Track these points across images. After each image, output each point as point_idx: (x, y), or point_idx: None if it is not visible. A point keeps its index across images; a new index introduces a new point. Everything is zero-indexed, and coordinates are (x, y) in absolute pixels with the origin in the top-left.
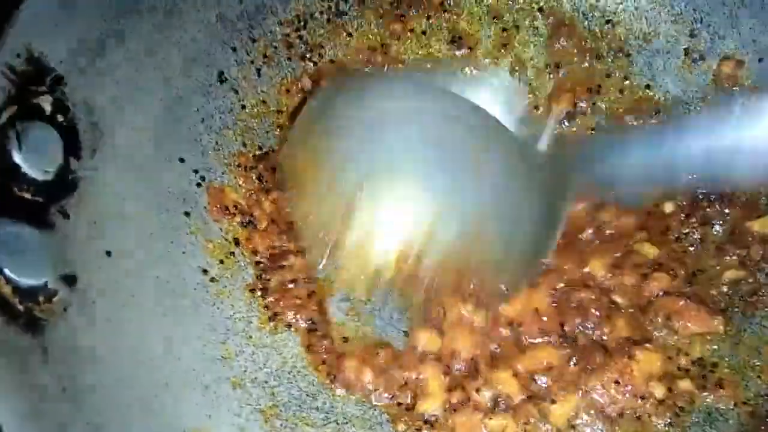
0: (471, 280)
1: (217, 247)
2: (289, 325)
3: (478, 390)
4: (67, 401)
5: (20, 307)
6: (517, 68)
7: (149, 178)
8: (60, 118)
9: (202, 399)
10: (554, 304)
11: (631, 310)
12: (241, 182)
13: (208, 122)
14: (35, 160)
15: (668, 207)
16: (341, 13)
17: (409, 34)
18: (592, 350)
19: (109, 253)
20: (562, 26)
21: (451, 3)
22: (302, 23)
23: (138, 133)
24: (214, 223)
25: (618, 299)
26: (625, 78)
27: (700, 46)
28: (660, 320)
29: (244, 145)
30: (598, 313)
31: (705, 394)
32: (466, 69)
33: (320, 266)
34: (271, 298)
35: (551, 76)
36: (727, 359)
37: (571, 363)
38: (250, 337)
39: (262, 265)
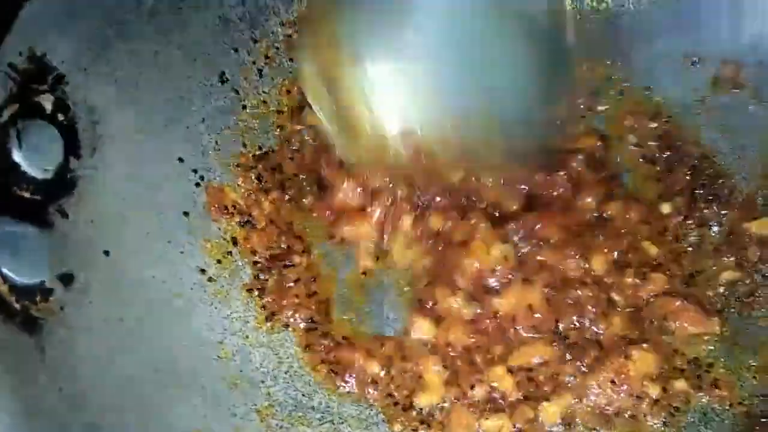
0: (479, 155)
1: (215, 246)
2: (287, 325)
3: (473, 386)
4: (64, 401)
5: (17, 306)
6: None
7: (148, 177)
8: (60, 117)
9: (198, 399)
10: (548, 301)
11: (628, 309)
12: (240, 182)
13: (209, 122)
14: (35, 158)
15: (666, 208)
16: None
17: None
18: (587, 348)
19: (107, 253)
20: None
21: None
22: None
23: (138, 132)
24: (212, 222)
25: (616, 297)
26: (625, 80)
27: (700, 48)
28: (656, 320)
29: (244, 145)
30: (594, 310)
31: (700, 394)
32: None
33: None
34: (268, 298)
35: None
36: (722, 360)
37: (566, 361)
38: (247, 337)
39: (259, 264)
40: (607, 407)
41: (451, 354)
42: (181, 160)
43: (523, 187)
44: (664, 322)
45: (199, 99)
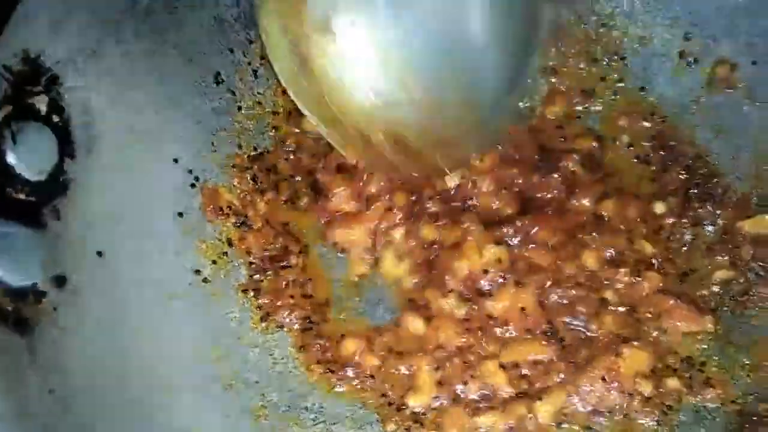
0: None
1: (210, 247)
2: (281, 326)
3: (465, 383)
4: (56, 402)
5: (9, 308)
6: None
7: (143, 178)
8: (55, 118)
9: (192, 399)
10: (541, 303)
11: (621, 308)
12: (235, 183)
13: (204, 123)
14: (29, 160)
15: (660, 207)
16: None
17: None
18: (578, 347)
19: (100, 254)
20: (558, 29)
21: None
22: None
23: (133, 133)
24: (207, 223)
25: (608, 297)
26: (620, 80)
27: (695, 49)
28: (649, 319)
29: (240, 146)
30: (585, 310)
31: (693, 392)
32: None
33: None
34: (263, 299)
35: (545, 80)
36: (716, 358)
37: (558, 359)
38: (242, 337)
39: (255, 265)
40: (600, 405)
41: (443, 354)
42: (176, 160)
43: (516, 190)
44: (657, 320)
45: (194, 100)
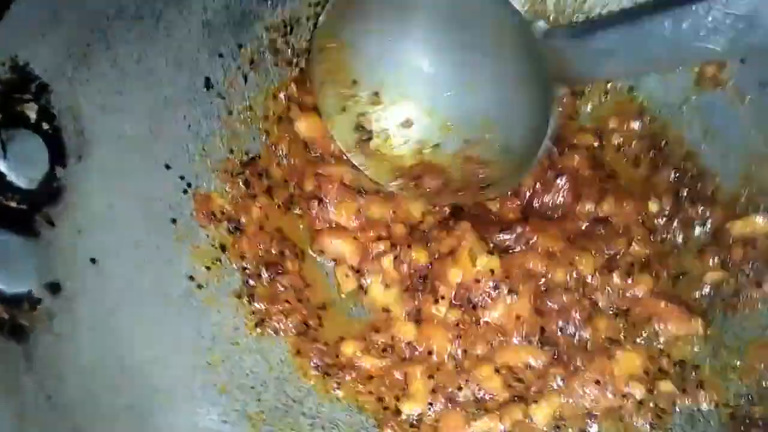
0: (480, 166)
1: (204, 253)
2: (276, 331)
3: (460, 388)
4: (52, 409)
5: (4, 315)
6: None
7: (135, 185)
8: (45, 125)
9: (188, 405)
10: (535, 310)
11: (613, 312)
12: (227, 188)
13: (195, 128)
14: (20, 168)
15: (653, 206)
16: None
17: None
18: (572, 351)
19: (94, 261)
20: None
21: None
22: (289, 29)
23: (124, 140)
24: (200, 229)
25: (600, 301)
26: (609, 81)
27: None
28: (641, 322)
29: (231, 151)
30: (578, 315)
31: (686, 395)
32: None
33: (350, 156)
34: (258, 304)
35: None
36: (708, 361)
37: (553, 363)
38: (237, 343)
39: (249, 270)
40: (594, 408)
41: (436, 360)
42: (167, 166)
43: (519, 203)
44: (649, 323)
45: (184, 105)
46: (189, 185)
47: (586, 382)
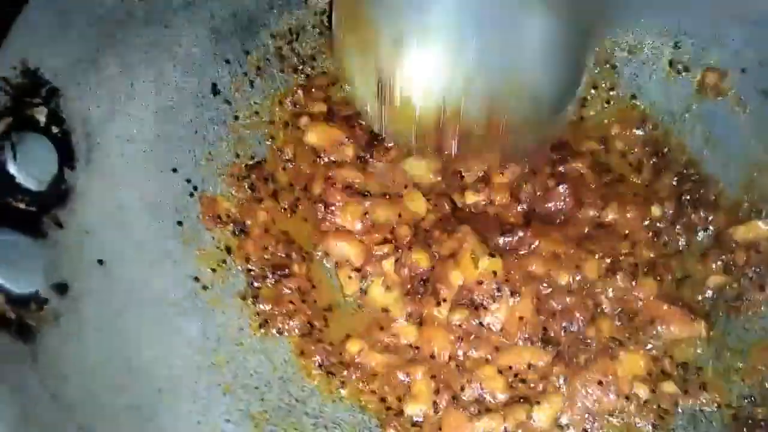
0: (506, 116)
1: (209, 255)
2: (280, 332)
3: (462, 388)
4: (58, 409)
5: (12, 315)
6: None
7: (142, 187)
8: (54, 129)
9: (193, 405)
10: (538, 311)
11: (617, 313)
12: (233, 191)
13: (201, 133)
14: (30, 170)
15: (656, 211)
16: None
17: None
18: (575, 351)
19: (101, 262)
20: None
21: None
22: (295, 36)
23: (131, 143)
24: (206, 231)
25: (603, 303)
26: (611, 89)
27: (684, 57)
28: (644, 324)
29: (237, 155)
30: (582, 316)
31: (689, 396)
32: None
33: (369, 115)
34: (262, 305)
35: None
36: (711, 362)
37: (556, 363)
38: (241, 343)
39: (253, 272)
40: (597, 409)
41: (438, 362)
42: (174, 170)
43: (521, 207)
44: (651, 325)
45: (191, 110)
46: (195, 188)
47: (588, 383)
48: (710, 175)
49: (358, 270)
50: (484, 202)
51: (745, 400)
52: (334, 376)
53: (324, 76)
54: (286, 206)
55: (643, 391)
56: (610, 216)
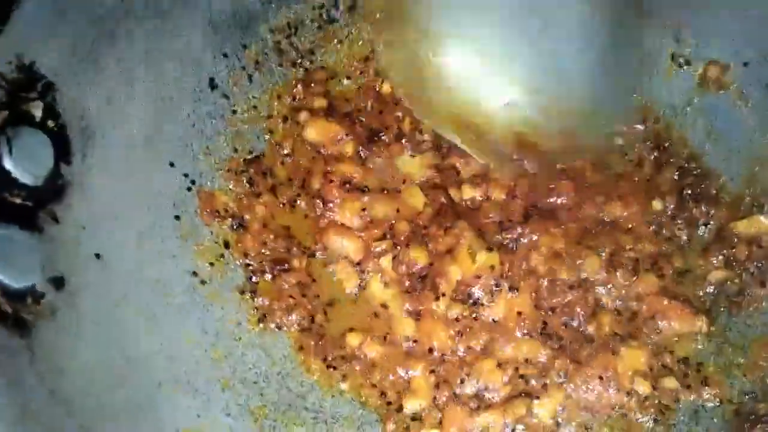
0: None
1: (207, 250)
2: (279, 326)
3: (462, 382)
4: (56, 404)
5: (8, 310)
6: None
7: (139, 182)
8: (51, 123)
9: (192, 400)
10: (537, 306)
11: (617, 308)
12: (231, 186)
13: (199, 127)
14: (26, 165)
15: (657, 205)
16: (332, 20)
17: None
18: (576, 346)
19: (98, 256)
20: None
21: None
22: (293, 30)
23: (128, 137)
24: (204, 226)
25: (604, 299)
26: None
27: (686, 51)
28: (645, 319)
29: (235, 149)
30: (582, 311)
31: (690, 392)
32: None
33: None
34: (261, 300)
35: None
36: (712, 358)
37: (556, 358)
38: (240, 338)
39: (252, 267)
40: (597, 404)
41: (437, 356)
42: (172, 164)
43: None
44: (652, 320)
45: (188, 104)
46: (193, 183)
47: (589, 378)
48: (712, 169)
49: (358, 264)
50: (481, 198)
51: (747, 396)
52: (335, 370)
53: (323, 71)
54: (284, 201)
55: (643, 387)
56: (612, 212)
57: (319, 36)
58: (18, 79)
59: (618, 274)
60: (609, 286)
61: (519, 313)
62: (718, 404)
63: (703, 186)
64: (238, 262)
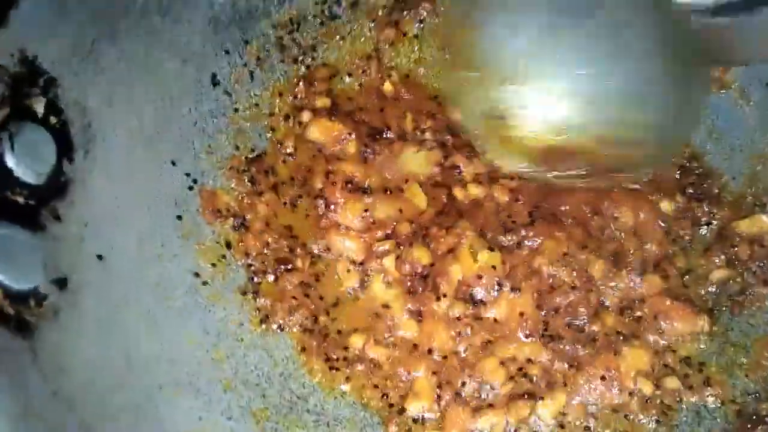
0: (619, 148)
1: (209, 250)
2: (281, 327)
3: (464, 383)
4: (58, 404)
5: (11, 311)
6: None
7: (141, 181)
8: (53, 119)
9: (194, 401)
10: (539, 306)
11: (620, 307)
12: (233, 185)
13: (201, 125)
14: (28, 162)
15: (665, 206)
16: (334, 17)
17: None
18: (578, 346)
19: (100, 257)
20: None
21: (443, 8)
22: (295, 26)
23: (130, 135)
24: (206, 226)
25: (607, 299)
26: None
27: None
28: (647, 319)
29: (237, 147)
30: (584, 311)
31: (693, 392)
32: None
33: (476, 139)
34: (263, 300)
35: None
36: (715, 358)
37: (558, 358)
38: (242, 339)
39: (254, 267)
40: (600, 404)
41: (439, 357)
42: (173, 163)
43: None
44: (654, 321)
45: (190, 102)
46: (195, 182)
47: (591, 378)
48: (714, 169)
49: (360, 264)
50: (484, 197)
51: (750, 396)
52: (338, 371)
53: (325, 68)
54: (286, 200)
55: (646, 387)
56: (622, 220)
57: (321, 32)
58: (20, 73)
59: (623, 275)
60: (612, 287)
61: (521, 314)
62: (720, 405)
63: (704, 185)
64: (240, 263)
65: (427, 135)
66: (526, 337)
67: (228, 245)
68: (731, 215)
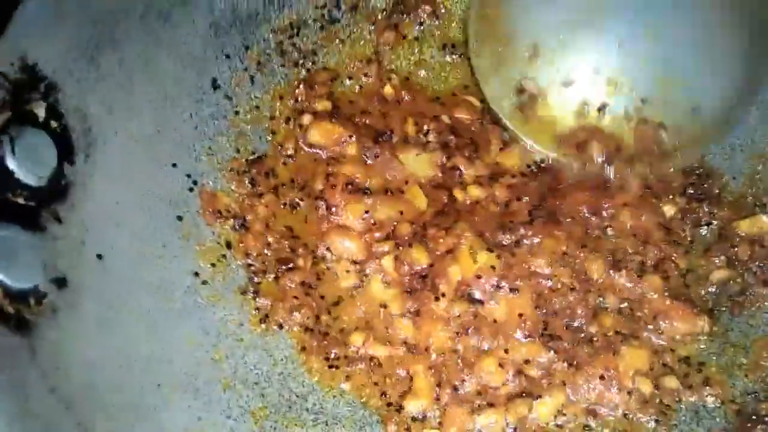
0: (658, 130)
1: (209, 250)
2: (281, 327)
3: (463, 382)
4: (56, 402)
5: (10, 310)
6: None
7: (142, 182)
8: (53, 123)
9: (193, 401)
10: (538, 307)
11: (619, 309)
12: (233, 186)
13: (201, 128)
14: (29, 165)
15: (665, 207)
16: (334, 20)
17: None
18: (577, 346)
19: (100, 257)
20: None
21: (443, 10)
22: (295, 30)
23: (131, 138)
24: (206, 226)
25: (606, 299)
26: None
27: None
28: (647, 319)
29: (237, 150)
30: (583, 312)
31: (692, 392)
32: None
33: (506, 116)
34: (262, 300)
35: None
36: (714, 358)
37: (558, 358)
38: (242, 339)
39: (253, 267)
40: (599, 404)
41: (437, 357)
42: (174, 165)
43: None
44: (654, 321)
45: (191, 105)
46: (195, 183)
47: (591, 378)
48: (714, 168)
49: (358, 263)
50: (485, 196)
51: (749, 396)
52: (338, 370)
53: (325, 71)
54: (287, 202)
55: (645, 386)
56: (621, 220)
57: (321, 36)
58: (21, 79)
59: (622, 276)
60: (611, 287)
61: (520, 315)
62: (719, 404)
63: (705, 185)
64: (239, 263)
65: (431, 137)
66: (525, 337)
67: (228, 245)
68: (732, 215)
